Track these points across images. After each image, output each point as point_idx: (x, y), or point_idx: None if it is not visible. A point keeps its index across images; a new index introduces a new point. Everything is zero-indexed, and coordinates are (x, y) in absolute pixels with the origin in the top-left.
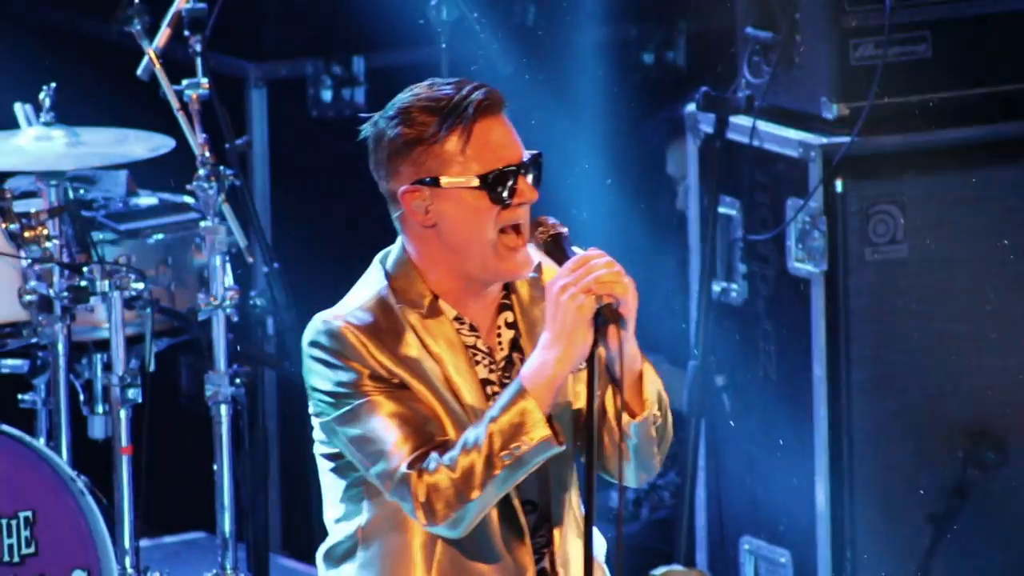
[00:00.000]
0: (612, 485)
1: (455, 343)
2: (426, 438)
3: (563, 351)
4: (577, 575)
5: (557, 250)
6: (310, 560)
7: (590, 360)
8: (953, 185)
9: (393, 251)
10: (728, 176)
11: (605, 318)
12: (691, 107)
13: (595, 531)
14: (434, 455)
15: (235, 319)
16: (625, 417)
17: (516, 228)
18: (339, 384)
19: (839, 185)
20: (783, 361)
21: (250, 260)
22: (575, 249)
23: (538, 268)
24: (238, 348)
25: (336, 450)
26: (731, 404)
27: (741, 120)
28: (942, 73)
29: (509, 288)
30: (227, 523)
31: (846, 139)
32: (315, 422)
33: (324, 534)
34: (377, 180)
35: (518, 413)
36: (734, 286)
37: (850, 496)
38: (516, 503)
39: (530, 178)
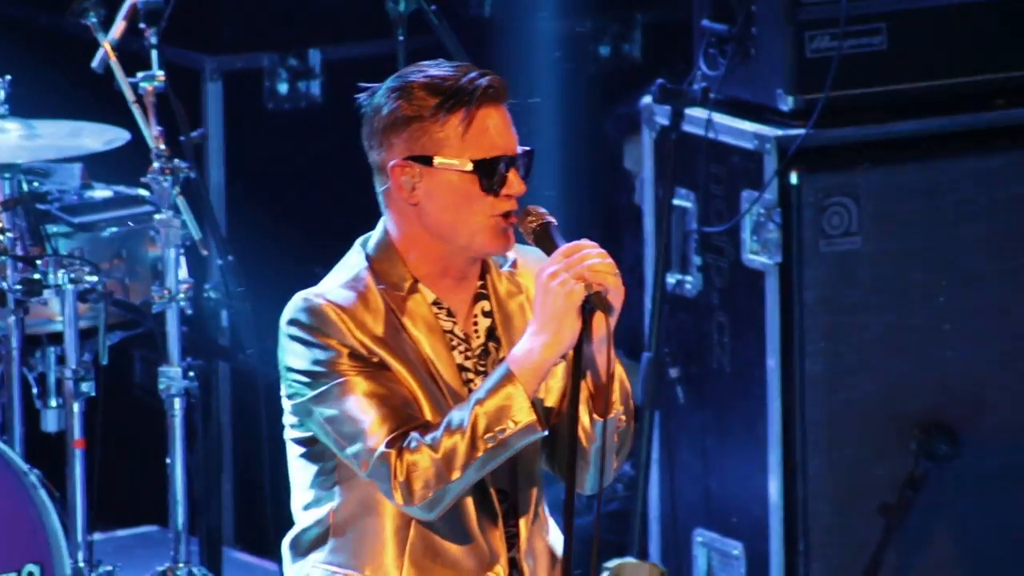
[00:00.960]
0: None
1: (434, 327)
2: (406, 418)
3: (552, 337)
4: (542, 570)
5: (546, 239)
6: (263, 553)
7: (576, 349)
8: (908, 177)
9: (375, 234)
10: (683, 168)
11: (594, 306)
12: (647, 99)
13: (553, 526)
14: (415, 435)
15: (189, 312)
16: (591, 417)
17: (505, 216)
18: (317, 363)
19: (794, 177)
20: (737, 353)
21: (204, 253)
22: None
23: (514, 264)
24: (192, 341)
25: (308, 434)
26: (685, 396)
27: (697, 112)
28: (897, 65)
29: (486, 278)
30: (180, 516)
31: (801, 131)
32: (287, 405)
33: (277, 527)
34: (367, 150)
35: (505, 397)
36: (689, 278)
37: (803, 488)
38: (491, 490)
39: (521, 172)
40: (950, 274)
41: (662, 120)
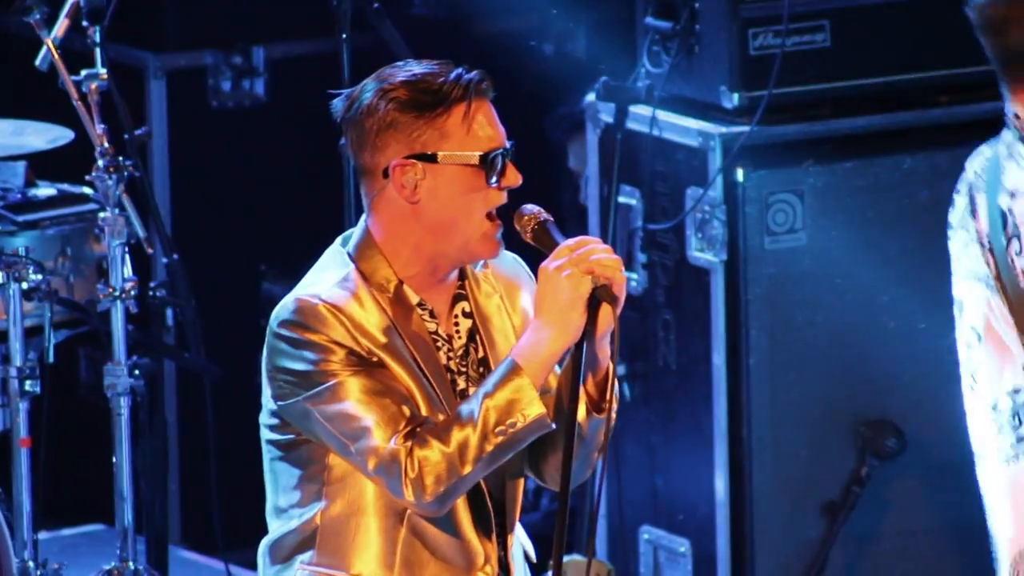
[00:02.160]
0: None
1: (421, 328)
2: (411, 415)
3: (558, 330)
4: (519, 571)
5: (545, 236)
6: (209, 551)
7: (579, 343)
8: (852, 174)
9: (355, 235)
10: (628, 166)
11: (601, 298)
12: (591, 97)
13: (521, 531)
14: (424, 432)
15: (134, 310)
16: (589, 413)
17: (494, 213)
18: (314, 363)
19: (738, 174)
20: (683, 350)
21: (149, 251)
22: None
23: (485, 265)
24: (137, 339)
25: (290, 437)
26: (631, 393)
27: (641, 110)
28: (841, 62)
29: (464, 279)
30: (126, 515)
31: (745, 128)
32: (271, 406)
33: (224, 526)
34: (354, 155)
35: (514, 390)
36: (634, 275)
37: (749, 485)
38: (484, 488)
39: (514, 163)
40: (894, 271)
41: (606, 118)
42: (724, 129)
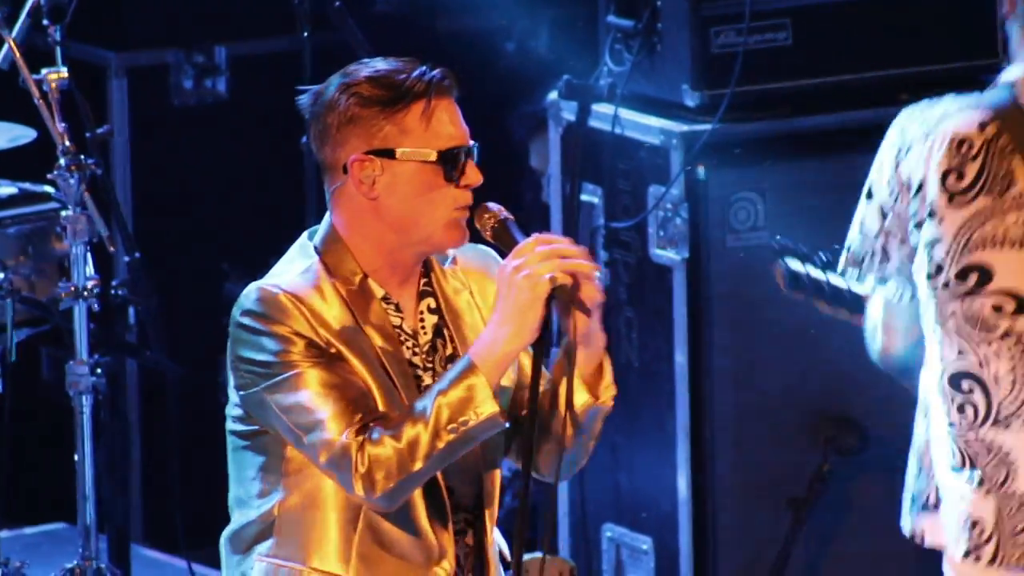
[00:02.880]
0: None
1: (384, 322)
2: (366, 409)
3: (515, 329)
4: (492, 569)
5: (505, 235)
6: (172, 550)
7: (537, 344)
8: (814, 172)
9: (321, 228)
10: (590, 164)
11: (560, 299)
12: (553, 95)
13: (496, 531)
14: (377, 427)
15: (96, 309)
16: (586, 400)
17: (464, 209)
18: (273, 352)
19: (700, 172)
20: (645, 348)
21: (111, 250)
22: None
23: (454, 260)
24: (99, 338)
25: (253, 427)
26: None
27: (603, 108)
28: (803, 61)
29: (430, 276)
30: (88, 513)
31: (707, 126)
32: (235, 396)
33: (186, 524)
34: (317, 149)
35: (467, 388)
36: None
37: (711, 483)
38: (441, 483)
39: (476, 161)
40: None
41: (568, 116)
42: (686, 127)
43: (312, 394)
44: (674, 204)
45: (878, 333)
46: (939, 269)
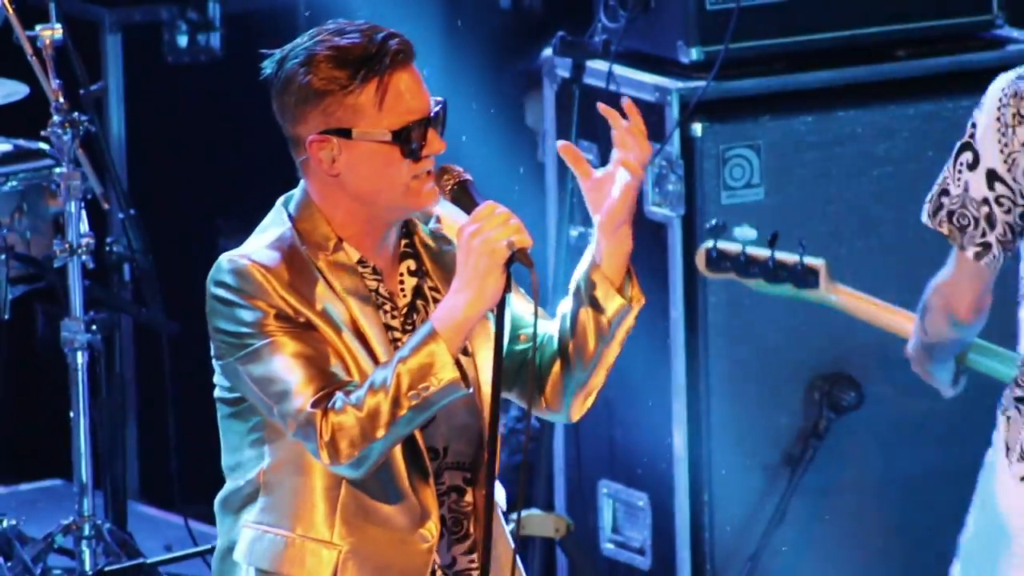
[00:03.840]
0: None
1: (360, 287)
2: (331, 378)
3: (474, 295)
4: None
5: (465, 197)
6: (167, 507)
7: (500, 306)
8: (809, 129)
9: (296, 194)
10: (585, 121)
11: (519, 262)
12: (548, 52)
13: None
14: (340, 395)
15: (91, 266)
16: (618, 304)
17: (427, 174)
18: (243, 324)
19: (695, 129)
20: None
21: (106, 206)
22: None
23: (437, 219)
24: (94, 295)
25: (237, 395)
26: None
27: (598, 65)
28: (798, 17)
29: (412, 237)
30: (84, 470)
31: (702, 83)
32: (216, 366)
33: (182, 481)
34: (281, 123)
35: (427, 354)
36: (591, 231)
37: (707, 439)
38: (421, 446)
39: (439, 128)
40: (852, 225)
41: (563, 73)
42: (681, 84)
43: (280, 364)
44: (669, 161)
45: (962, 297)
46: None
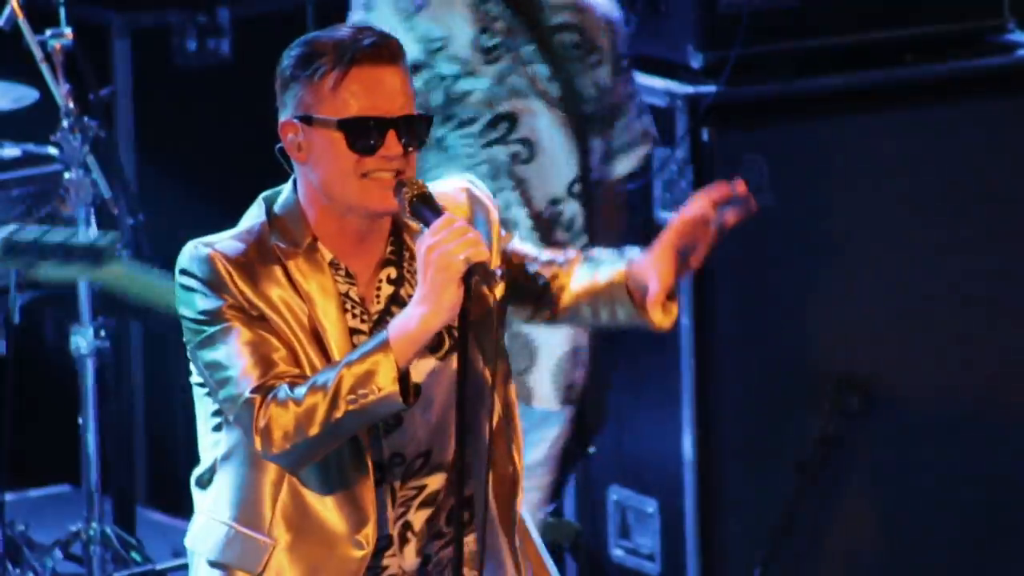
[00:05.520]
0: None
1: (328, 288)
2: (274, 367)
3: (431, 309)
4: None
5: (422, 211)
6: (176, 513)
7: (461, 319)
8: (818, 133)
9: (284, 190)
10: None
11: (478, 277)
12: None
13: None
14: (284, 386)
15: None
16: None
17: (386, 178)
18: (200, 310)
19: (705, 134)
20: None
21: (115, 211)
22: (442, 207)
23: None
24: (103, 300)
25: (201, 380)
26: None
27: None
28: (808, 22)
29: (399, 244)
30: (93, 476)
31: (712, 88)
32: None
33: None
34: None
35: (373, 363)
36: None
37: (717, 444)
38: (365, 451)
39: (405, 136)
40: (861, 230)
41: None
42: (691, 89)
43: (228, 351)
44: (679, 166)
45: None
46: None
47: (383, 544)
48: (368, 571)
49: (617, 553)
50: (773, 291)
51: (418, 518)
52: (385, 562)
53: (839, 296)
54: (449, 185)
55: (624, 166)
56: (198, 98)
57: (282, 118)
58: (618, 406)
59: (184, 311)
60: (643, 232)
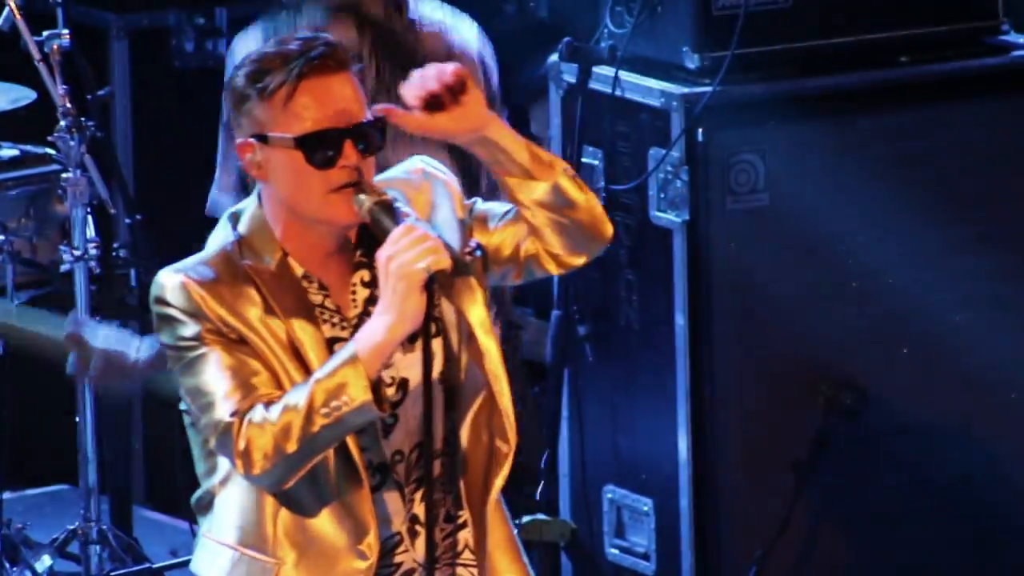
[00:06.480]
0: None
1: (302, 301)
2: (254, 390)
3: (395, 318)
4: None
5: (381, 221)
6: (173, 512)
7: (425, 326)
8: (814, 134)
9: (248, 207)
10: (591, 126)
11: (439, 284)
12: (554, 58)
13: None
14: (259, 407)
15: (97, 271)
16: (543, 189)
17: (346, 187)
18: (178, 338)
19: (701, 135)
20: (645, 310)
21: (112, 211)
22: (404, 215)
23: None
24: (100, 300)
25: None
26: (594, 353)
27: (604, 70)
28: (803, 22)
29: (369, 245)
30: (90, 475)
31: (708, 89)
32: None
33: (188, 486)
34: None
35: (343, 375)
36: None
37: (712, 444)
38: (357, 461)
39: (362, 144)
40: (857, 231)
41: (569, 78)
42: (687, 89)
43: (207, 377)
44: (674, 167)
45: None
46: None
47: (393, 544)
48: (382, 570)
49: (612, 552)
50: (768, 290)
51: (422, 508)
52: (398, 559)
53: (834, 296)
54: (404, 169)
55: None
56: (196, 99)
57: (238, 138)
58: (613, 405)
59: (164, 339)
60: (637, 234)
